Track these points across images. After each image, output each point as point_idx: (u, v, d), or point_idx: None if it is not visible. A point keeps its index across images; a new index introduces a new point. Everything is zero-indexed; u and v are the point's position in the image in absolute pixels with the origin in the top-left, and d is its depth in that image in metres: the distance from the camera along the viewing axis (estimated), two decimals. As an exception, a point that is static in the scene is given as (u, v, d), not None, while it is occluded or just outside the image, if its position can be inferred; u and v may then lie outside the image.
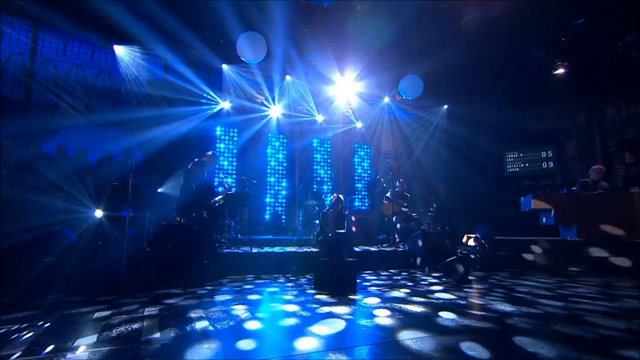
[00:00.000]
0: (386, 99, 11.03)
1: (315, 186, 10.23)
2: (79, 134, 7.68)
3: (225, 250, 5.78)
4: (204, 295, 3.74)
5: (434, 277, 4.95)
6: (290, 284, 4.39)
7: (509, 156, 10.93)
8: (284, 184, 10.46)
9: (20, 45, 7.20)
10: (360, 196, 11.34)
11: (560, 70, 9.61)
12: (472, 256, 5.53)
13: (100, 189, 5.96)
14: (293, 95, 10.13)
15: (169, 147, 8.36)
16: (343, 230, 5.95)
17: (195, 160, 6.03)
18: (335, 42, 9.44)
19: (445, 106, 11.58)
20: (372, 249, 6.87)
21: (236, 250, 5.88)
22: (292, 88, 10.02)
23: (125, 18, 7.54)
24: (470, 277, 4.78)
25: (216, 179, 9.19)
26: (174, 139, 8.48)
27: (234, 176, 9.78)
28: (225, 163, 9.75)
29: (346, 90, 10.52)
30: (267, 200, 10.15)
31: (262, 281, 4.69)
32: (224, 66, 9.00)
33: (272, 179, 10.36)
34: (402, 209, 7.47)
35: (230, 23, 7.82)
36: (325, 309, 3.10)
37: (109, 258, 4.63)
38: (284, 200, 10.37)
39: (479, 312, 2.98)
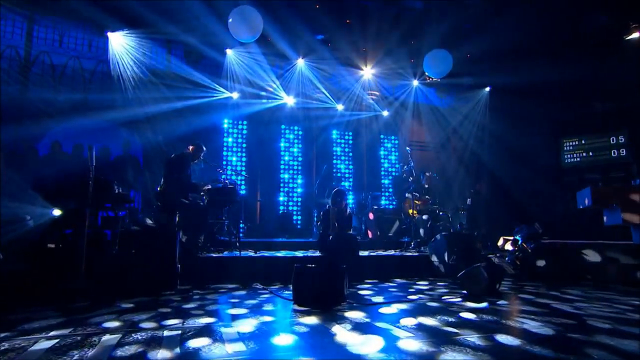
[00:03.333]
0: (415, 83, 10.02)
1: (334, 183, 9.49)
2: (77, 130, 7.58)
3: (210, 255, 5.26)
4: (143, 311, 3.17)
5: (456, 289, 4.07)
6: (268, 306, 3.71)
7: (567, 144, 9.46)
8: (299, 181, 9.83)
9: (15, 38, 7.22)
10: (387, 193, 10.43)
11: (635, 35, 8.07)
12: (510, 263, 4.56)
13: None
14: (307, 82, 9.48)
15: (172, 143, 8.07)
16: (347, 231, 5.18)
17: (177, 153, 5.59)
18: (352, 18, 8.66)
19: (487, 89, 10.32)
20: (391, 253, 6.04)
21: (222, 255, 5.34)
22: (305, 73, 9.36)
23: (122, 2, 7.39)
24: (500, 290, 3.85)
25: (223, 176, 8.80)
26: (178, 133, 8.19)
27: (243, 173, 9.34)
28: (234, 159, 9.33)
29: (368, 74, 9.68)
30: (281, 199, 9.58)
31: (222, 293, 4.08)
32: (229, 51, 8.54)
33: (286, 176, 9.77)
34: (428, 206, 6.52)
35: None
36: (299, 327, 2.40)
37: (69, 262, 4.26)
38: (299, 199, 9.75)
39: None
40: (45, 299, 3.68)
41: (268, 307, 3.34)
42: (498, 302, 3.49)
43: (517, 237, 4.82)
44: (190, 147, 5.71)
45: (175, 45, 8.33)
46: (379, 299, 3.78)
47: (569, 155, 9.43)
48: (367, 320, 2.88)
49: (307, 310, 3.19)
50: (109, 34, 7.41)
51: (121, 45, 7.61)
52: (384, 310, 3.27)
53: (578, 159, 9.27)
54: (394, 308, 3.33)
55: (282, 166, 9.76)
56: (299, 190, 9.78)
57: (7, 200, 4.78)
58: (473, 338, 2.34)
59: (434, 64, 7.78)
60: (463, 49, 8.97)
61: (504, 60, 8.91)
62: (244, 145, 9.43)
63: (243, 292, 4.17)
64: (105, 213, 5.90)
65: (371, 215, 7.35)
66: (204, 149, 5.92)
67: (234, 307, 3.30)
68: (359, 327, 2.65)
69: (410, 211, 6.45)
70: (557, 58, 8.25)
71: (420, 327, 2.64)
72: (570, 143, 9.43)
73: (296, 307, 3.33)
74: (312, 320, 2.83)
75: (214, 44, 8.31)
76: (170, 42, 8.18)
